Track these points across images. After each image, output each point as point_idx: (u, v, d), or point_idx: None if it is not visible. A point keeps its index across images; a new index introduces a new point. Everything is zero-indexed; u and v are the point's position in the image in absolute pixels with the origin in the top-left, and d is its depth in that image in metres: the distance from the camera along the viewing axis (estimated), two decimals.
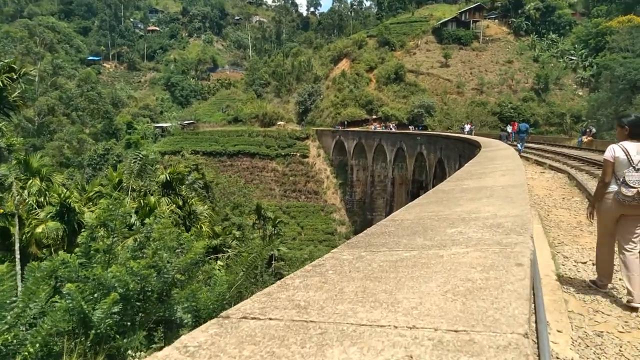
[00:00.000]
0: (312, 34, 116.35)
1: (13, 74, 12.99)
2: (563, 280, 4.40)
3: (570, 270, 4.69)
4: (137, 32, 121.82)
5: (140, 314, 9.02)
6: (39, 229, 16.75)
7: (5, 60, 13.23)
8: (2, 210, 18.25)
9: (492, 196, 3.14)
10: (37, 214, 18.02)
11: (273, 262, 36.15)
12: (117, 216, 8.58)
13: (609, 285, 4.22)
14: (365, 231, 2.34)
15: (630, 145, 3.99)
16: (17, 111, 15.12)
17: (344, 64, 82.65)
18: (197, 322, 10.47)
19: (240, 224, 44.34)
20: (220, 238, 25.35)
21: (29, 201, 18.59)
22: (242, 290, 18.16)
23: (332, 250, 1.97)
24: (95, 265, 8.30)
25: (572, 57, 74.28)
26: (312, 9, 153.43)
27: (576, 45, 75.22)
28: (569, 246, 5.46)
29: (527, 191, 3.31)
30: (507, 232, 2.06)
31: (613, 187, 4.03)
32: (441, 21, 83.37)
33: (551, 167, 14.95)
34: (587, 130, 34.23)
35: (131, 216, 17.44)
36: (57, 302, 7.83)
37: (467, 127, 45.23)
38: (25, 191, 18.49)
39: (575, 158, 17.14)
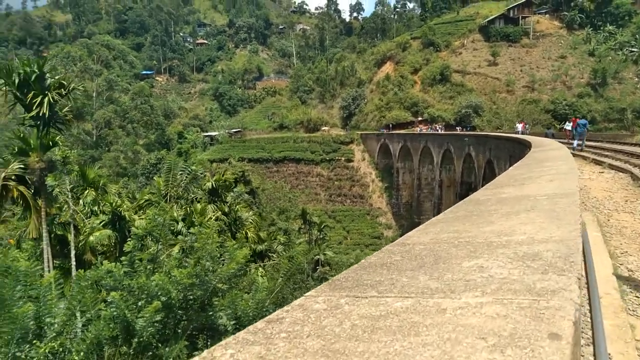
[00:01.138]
0: (355, 39, 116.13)
1: (62, 89, 13.71)
2: (628, 299, 3.66)
3: (637, 287, 3.90)
4: (187, 46, 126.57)
5: (182, 322, 9.10)
6: (92, 237, 17.50)
7: (56, 77, 14.04)
8: (61, 220, 19.25)
9: (534, 209, 2.62)
10: (92, 222, 18.87)
11: (318, 267, 36.05)
12: (162, 225, 8.71)
13: None
14: (362, 261, 1.93)
15: None
16: (68, 125, 15.97)
17: (388, 67, 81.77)
18: (238, 329, 10.48)
19: (286, 228, 44.73)
20: (266, 243, 25.56)
21: (84, 210, 19.52)
22: (287, 295, 18.13)
23: (306, 294, 1.55)
24: (140, 273, 8.46)
25: (633, 49, 69.51)
26: (354, 14, 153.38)
27: (637, 36, 70.42)
28: (634, 257, 4.74)
29: (578, 203, 2.75)
30: (545, 268, 1.55)
31: None
32: (488, 19, 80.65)
33: (611, 167, 13.83)
34: None
35: (178, 223, 17.89)
36: (102, 310, 8.03)
37: (520, 127, 41.89)
38: (81, 201, 19.41)
39: (639, 156, 15.83)
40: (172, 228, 17.91)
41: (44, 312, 7.86)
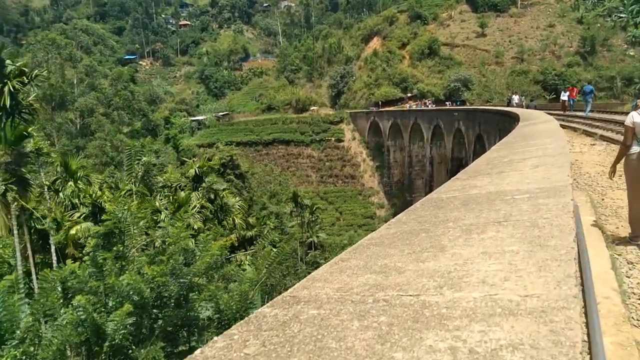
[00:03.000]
0: (341, 15, 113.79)
1: (24, 77, 12.91)
2: (631, 304, 2.99)
3: (639, 285, 3.26)
4: (170, 28, 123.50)
5: (159, 321, 8.68)
6: (73, 231, 16.96)
7: (17, 64, 13.22)
8: (39, 213, 18.63)
9: (508, 221, 1.88)
10: (72, 215, 18.30)
11: (310, 251, 35.80)
12: (125, 221, 8.18)
13: None
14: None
15: None
16: (35, 115, 15.19)
17: (376, 43, 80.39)
18: (221, 323, 10.09)
19: (278, 212, 44.33)
20: (255, 229, 25.12)
21: (64, 202, 18.91)
22: (275, 283, 17.69)
23: None
24: (107, 273, 7.99)
25: (621, 15, 68.65)
26: None
27: (625, 2, 69.50)
28: (633, 245, 4.13)
29: (571, 208, 1.99)
30: None
31: (637, 148, 4.48)
32: None
33: (602, 138, 13.39)
34: None
35: (160, 213, 17.35)
36: (70, 313, 7.58)
37: (516, 98, 38.76)
38: (60, 193, 18.79)
39: None
40: (156, 217, 17.41)
41: (3, 317, 7.35)
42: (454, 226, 1.92)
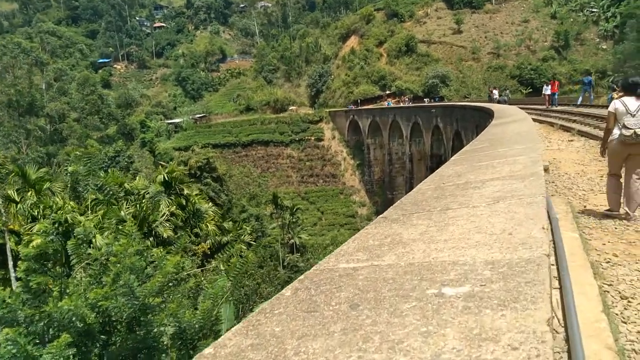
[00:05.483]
0: (318, 14, 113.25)
1: None
2: None
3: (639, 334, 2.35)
4: (144, 30, 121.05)
5: (109, 347, 7.91)
6: (33, 244, 15.97)
7: None
8: None
9: None
10: (32, 227, 17.31)
11: (288, 254, 35.09)
12: (60, 241, 7.39)
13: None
14: None
15: (628, 99, 5.15)
16: None
17: (353, 41, 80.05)
18: (183, 343, 9.41)
19: (257, 214, 43.56)
20: (231, 234, 24.32)
21: (24, 214, 17.89)
22: (249, 292, 16.95)
23: None
24: (44, 299, 7.19)
25: (593, 9, 69.80)
26: None
27: None
28: (625, 267, 3.26)
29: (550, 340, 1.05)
30: None
31: (617, 132, 5.14)
32: None
33: (580, 133, 13.02)
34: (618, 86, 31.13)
35: (124, 221, 16.47)
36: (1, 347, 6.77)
37: (496, 93, 36.80)
38: (19, 205, 17.75)
39: None
40: (122, 227, 16.52)
41: None
42: None
